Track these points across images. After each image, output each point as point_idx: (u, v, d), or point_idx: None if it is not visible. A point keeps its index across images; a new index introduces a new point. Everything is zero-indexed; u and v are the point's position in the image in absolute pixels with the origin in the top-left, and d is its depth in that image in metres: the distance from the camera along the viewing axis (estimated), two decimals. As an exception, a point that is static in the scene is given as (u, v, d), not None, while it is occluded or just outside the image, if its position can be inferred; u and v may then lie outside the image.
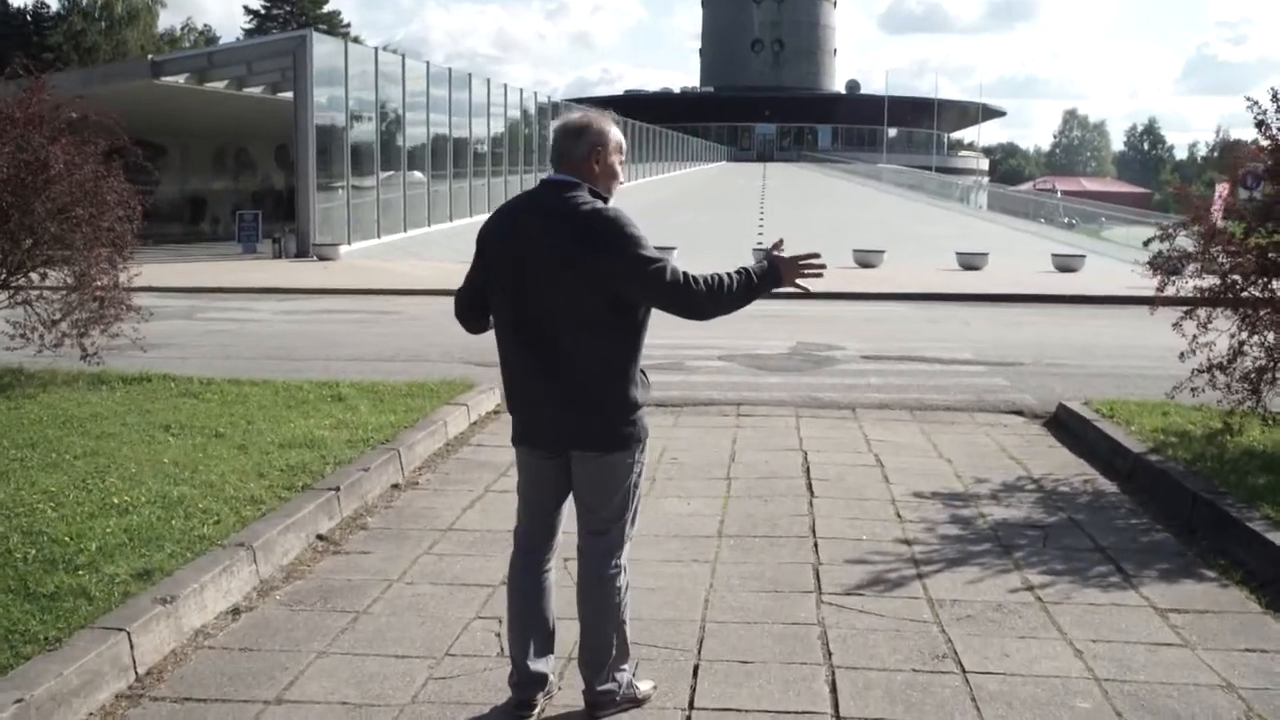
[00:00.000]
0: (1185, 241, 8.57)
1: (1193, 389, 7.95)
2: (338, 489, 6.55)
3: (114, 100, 30.81)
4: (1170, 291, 8.30)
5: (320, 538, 6.15)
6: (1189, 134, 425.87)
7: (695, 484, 7.46)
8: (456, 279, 4.29)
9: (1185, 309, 8.11)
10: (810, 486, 7.36)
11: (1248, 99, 7.97)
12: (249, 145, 46.07)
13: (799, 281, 4.02)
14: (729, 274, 3.92)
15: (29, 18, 73.49)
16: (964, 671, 4.47)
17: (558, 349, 3.86)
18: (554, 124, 4.10)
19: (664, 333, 15.26)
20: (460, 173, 39.77)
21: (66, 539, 5.42)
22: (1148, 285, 18.24)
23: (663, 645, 4.74)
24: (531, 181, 47.05)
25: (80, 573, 4.97)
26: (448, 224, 36.74)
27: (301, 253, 29.49)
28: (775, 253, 4.08)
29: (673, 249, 27.82)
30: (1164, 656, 4.66)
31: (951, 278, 24.65)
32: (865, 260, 27.18)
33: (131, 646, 4.36)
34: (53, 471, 6.82)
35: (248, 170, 47.21)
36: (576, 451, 3.97)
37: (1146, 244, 9.16)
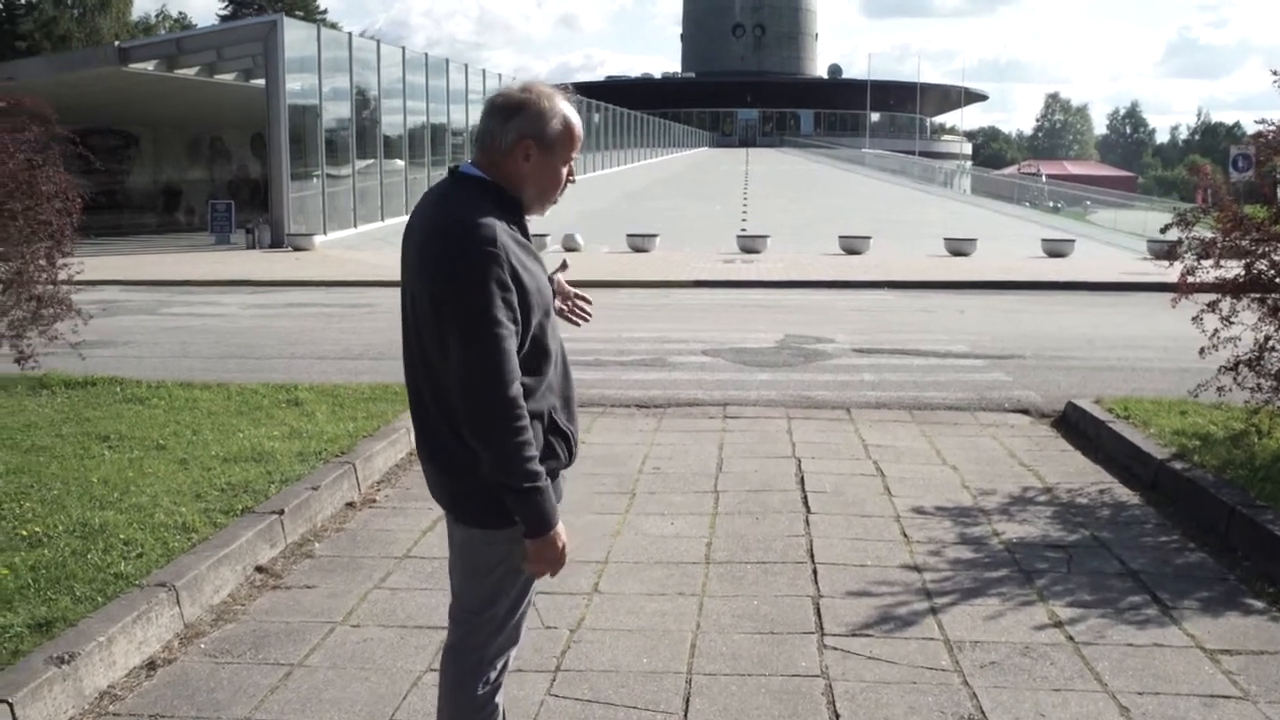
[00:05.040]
0: (1203, 229, 7.96)
1: (1219, 387, 7.32)
2: (282, 512, 5.87)
3: (83, 88, 30.29)
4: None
5: (259, 569, 5.48)
6: (1170, 117, 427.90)
7: (680, 498, 6.81)
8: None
9: (1208, 302, 7.48)
10: (806, 501, 6.72)
11: (1275, 73, 7.35)
12: (224, 134, 45.12)
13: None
14: (533, 450, 2.81)
15: (0, 6, 72.36)
16: (995, 738, 3.84)
17: (422, 389, 2.97)
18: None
19: (645, 325, 14.78)
20: (439, 160, 38.93)
21: (-38, 580, 4.75)
22: (1146, 271, 17.85)
23: (644, 706, 4.08)
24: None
25: (-31, 624, 4.30)
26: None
27: (275, 243, 28.70)
28: None
29: (655, 236, 27.26)
30: (1223, 713, 4.03)
31: (941, 264, 24.03)
32: (852, 247, 26.55)
33: (15, 720, 3.69)
34: (-33, 493, 6.14)
35: (223, 159, 46.26)
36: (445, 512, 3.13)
37: (1164, 230, 8.53)
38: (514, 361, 2.77)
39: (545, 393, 2.93)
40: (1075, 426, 8.74)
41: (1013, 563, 5.63)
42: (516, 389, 2.76)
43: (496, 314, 2.73)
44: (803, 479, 7.21)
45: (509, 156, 2.91)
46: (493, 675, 3.09)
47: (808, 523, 6.28)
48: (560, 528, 2.86)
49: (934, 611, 4.97)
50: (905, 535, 6.06)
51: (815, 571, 5.48)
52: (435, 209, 2.92)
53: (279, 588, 5.32)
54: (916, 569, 5.53)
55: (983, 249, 26.36)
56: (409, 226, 3.00)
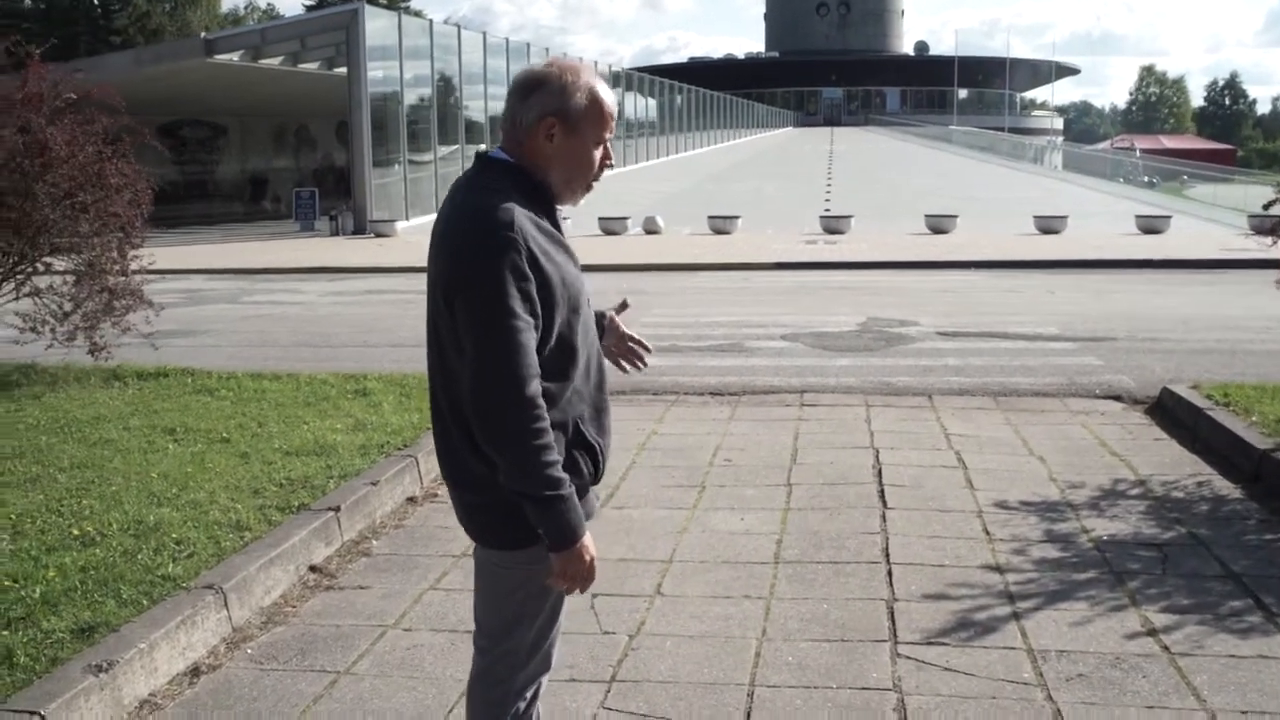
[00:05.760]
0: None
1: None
2: (338, 509, 5.72)
3: (171, 81, 30.73)
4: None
5: (313, 569, 5.33)
6: (1272, 87, 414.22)
7: (751, 492, 6.54)
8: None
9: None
10: (882, 495, 6.41)
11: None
12: (309, 122, 45.68)
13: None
14: (554, 454, 2.55)
15: (96, 2, 74.01)
16: (1081, 763, 3.54)
17: (438, 391, 2.72)
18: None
19: (724, 309, 14.52)
20: (520, 145, 38.82)
21: (11, 581, 4.66)
22: (1247, 248, 17.10)
23: (700, 721, 3.85)
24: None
25: (11, 629, 4.20)
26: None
27: (358, 230, 28.89)
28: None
29: (737, 217, 26.92)
30: (1336, 735, 3.69)
31: (1030, 243, 23.36)
32: (938, 226, 25.96)
33: (47, 733, 3.56)
34: (30, 489, 6.10)
35: (308, 147, 46.85)
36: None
37: (1268, 206, 8.05)
38: (531, 357, 2.52)
39: (572, 400, 2.68)
40: (1171, 414, 8.29)
41: (1102, 563, 5.28)
42: (534, 387, 2.51)
43: (511, 304, 2.49)
44: (880, 471, 6.90)
45: (531, 136, 2.67)
46: (522, 706, 2.86)
47: (884, 519, 5.98)
48: (588, 539, 2.61)
49: (1016, 617, 4.65)
50: (987, 532, 5.74)
51: (890, 572, 5.19)
52: (456, 195, 2.70)
53: (332, 588, 5.17)
54: (998, 570, 5.21)
55: (1074, 226, 25.61)
56: (436, 217, 2.78)
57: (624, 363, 3.16)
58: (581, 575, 2.62)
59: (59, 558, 4.94)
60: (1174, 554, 5.38)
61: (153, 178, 9.41)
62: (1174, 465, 7.01)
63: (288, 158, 45.97)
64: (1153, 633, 4.48)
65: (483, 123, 36.66)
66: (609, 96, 2.70)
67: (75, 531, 5.28)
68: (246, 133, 43.82)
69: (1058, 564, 5.27)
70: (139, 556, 4.96)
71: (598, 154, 2.72)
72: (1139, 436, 7.79)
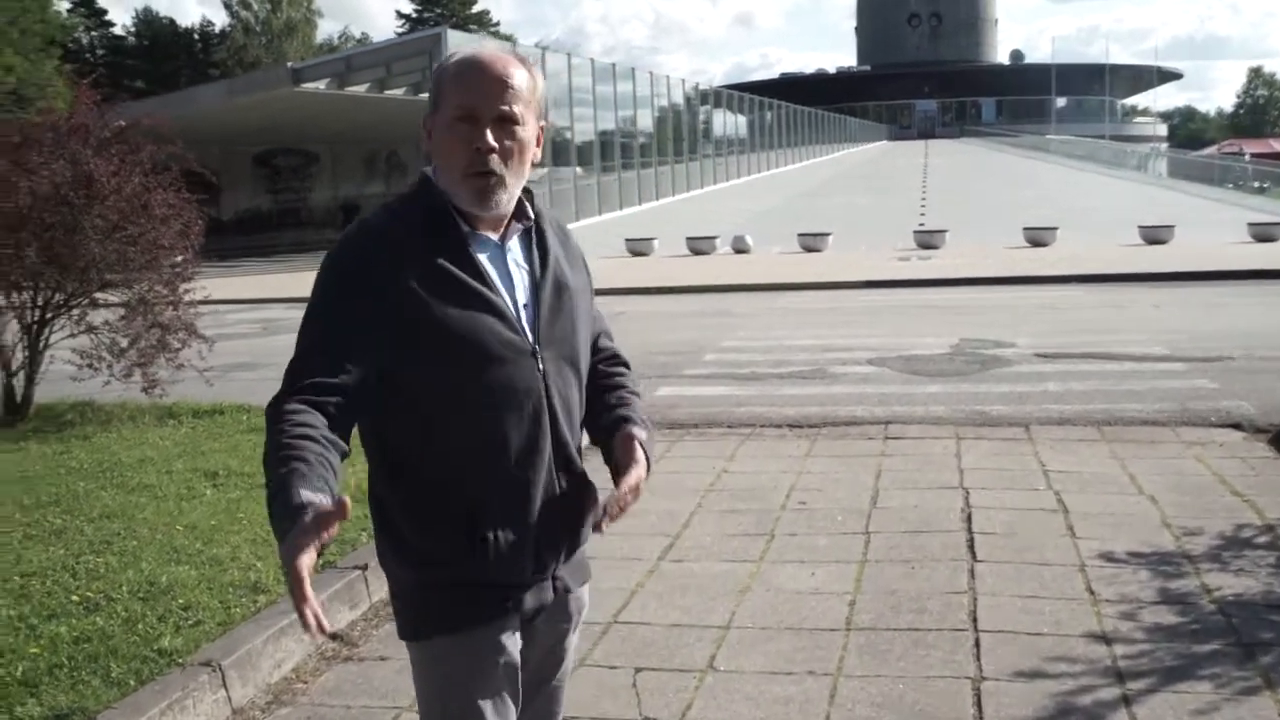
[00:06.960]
0: None
1: None
2: (366, 567, 5.24)
3: (262, 110, 31.04)
4: None
5: (333, 637, 4.85)
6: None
7: (824, 541, 5.92)
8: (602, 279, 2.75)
9: None
10: (971, 545, 5.74)
11: None
12: (399, 148, 45.95)
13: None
14: (301, 453, 1.99)
15: (196, 36, 76.11)
16: None
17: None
18: None
19: (809, 331, 13.87)
20: (608, 166, 38.56)
21: (-5, 656, 4.25)
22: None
23: (746, 841, 3.26)
24: (684, 174, 45.50)
25: (-19, 716, 3.78)
26: (596, 218, 35.52)
27: (444, 255, 28.75)
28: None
29: (827, 234, 26.22)
30: None
31: (1134, 254, 22.28)
32: (1037, 238, 24.94)
33: None
34: (52, 543, 5.74)
35: (399, 173, 47.11)
36: None
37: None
38: (319, 371, 2.08)
39: (464, 480, 2.18)
40: (1299, 445, 7.49)
41: (1228, 630, 4.57)
42: (292, 405, 2.06)
43: (319, 321, 2.15)
44: (969, 516, 6.23)
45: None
46: None
47: (972, 574, 5.32)
48: (304, 561, 1.89)
49: (1127, 702, 3.98)
50: (1091, 591, 5.05)
51: (977, 642, 4.53)
52: None
53: (351, 659, 4.68)
54: (1104, 639, 4.52)
55: (1181, 236, 24.43)
56: None
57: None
58: (295, 596, 1.88)
59: (55, 628, 4.52)
60: (1312, 619, 4.65)
61: (203, 209, 9.11)
62: (1305, 507, 6.23)
63: (379, 183, 46.27)
64: (1292, 723, 3.78)
65: (569, 143, 36.42)
66: (474, 55, 2.15)
67: (77, 597, 4.85)
68: (338, 160, 44.28)
69: (1174, 632, 4.57)
70: (139, 626, 4.52)
71: (467, 128, 2.12)
72: (1263, 472, 6.99)
